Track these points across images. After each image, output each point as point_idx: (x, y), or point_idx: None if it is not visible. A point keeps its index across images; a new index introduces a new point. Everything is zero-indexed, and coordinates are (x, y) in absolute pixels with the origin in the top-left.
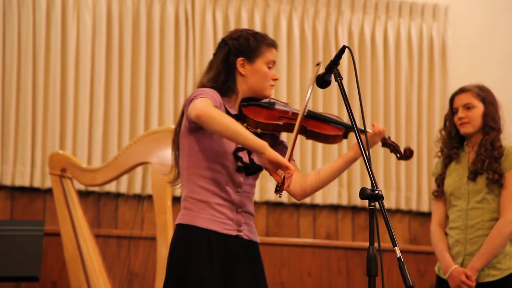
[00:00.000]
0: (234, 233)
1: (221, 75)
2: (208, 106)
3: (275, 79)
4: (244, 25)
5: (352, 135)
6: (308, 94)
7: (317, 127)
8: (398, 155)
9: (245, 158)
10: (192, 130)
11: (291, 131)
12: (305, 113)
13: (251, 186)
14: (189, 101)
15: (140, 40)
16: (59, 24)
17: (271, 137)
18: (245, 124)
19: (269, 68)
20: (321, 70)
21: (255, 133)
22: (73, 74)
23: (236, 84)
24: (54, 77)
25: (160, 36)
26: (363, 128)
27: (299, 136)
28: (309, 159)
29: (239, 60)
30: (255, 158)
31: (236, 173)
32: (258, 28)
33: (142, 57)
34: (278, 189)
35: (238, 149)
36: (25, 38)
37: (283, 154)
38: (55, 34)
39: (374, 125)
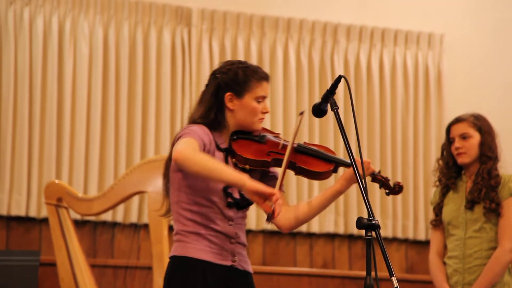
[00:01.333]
0: (229, 263)
1: (212, 110)
2: (185, 149)
3: (265, 113)
4: (241, 54)
5: (342, 170)
6: (295, 129)
7: (306, 163)
8: (387, 190)
9: (235, 194)
10: None
11: (280, 166)
12: (294, 146)
13: (243, 218)
14: (176, 139)
15: (137, 69)
16: (55, 52)
17: (261, 171)
18: (234, 160)
19: (259, 102)
20: (305, 117)
21: (244, 169)
22: (70, 103)
23: (226, 118)
24: (51, 106)
25: (157, 65)
26: (358, 158)
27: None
28: (305, 190)
29: (227, 95)
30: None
31: (227, 208)
32: (254, 56)
33: (138, 86)
34: (270, 218)
35: (228, 186)
36: (22, 66)
37: (273, 185)
38: (51, 63)
39: (357, 160)
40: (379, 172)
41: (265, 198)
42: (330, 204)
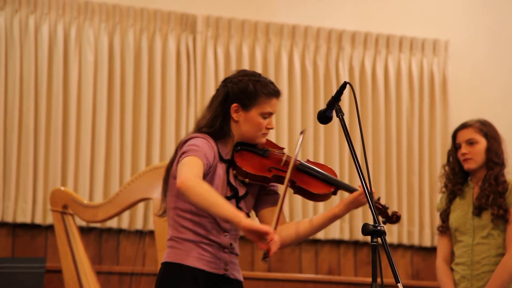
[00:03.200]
0: (221, 272)
1: (218, 119)
2: (189, 177)
3: (270, 128)
4: (245, 61)
5: (341, 193)
6: (297, 150)
7: (306, 183)
8: (384, 219)
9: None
10: None
11: (281, 183)
12: (297, 164)
13: (238, 229)
14: (181, 153)
15: (142, 76)
16: (61, 60)
17: (262, 186)
18: (234, 172)
19: (265, 117)
20: (304, 137)
21: (243, 182)
22: (75, 110)
23: (231, 129)
24: (56, 113)
25: (162, 72)
26: (365, 166)
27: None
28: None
29: (234, 106)
30: (243, 206)
31: (223, 220)
32: (259, 63)
33: (143, 93)
34: (265, 256)
35: (226, 198)
36: (27, 74)
37: (272, 200)
38: (57, 70)
39: (360, 187)
40: (379, 199)
41: (261, 236)
42: (329, 225)
